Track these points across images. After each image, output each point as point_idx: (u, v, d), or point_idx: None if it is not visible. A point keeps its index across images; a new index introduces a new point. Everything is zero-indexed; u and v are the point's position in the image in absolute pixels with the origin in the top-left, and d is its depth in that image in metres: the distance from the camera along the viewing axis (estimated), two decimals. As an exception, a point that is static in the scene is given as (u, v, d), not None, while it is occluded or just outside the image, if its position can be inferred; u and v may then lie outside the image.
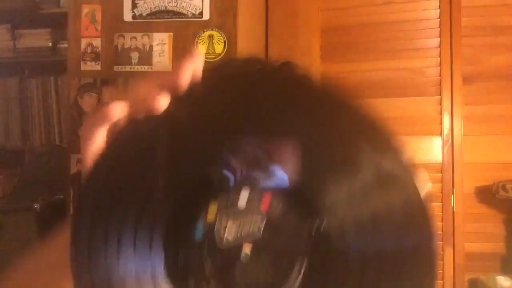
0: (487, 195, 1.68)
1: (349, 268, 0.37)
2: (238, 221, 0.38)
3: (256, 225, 0.38)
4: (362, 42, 1.80)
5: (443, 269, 1.71)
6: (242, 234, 0.38)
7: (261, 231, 0.38)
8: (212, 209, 0.38)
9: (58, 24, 1.94)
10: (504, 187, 1.61)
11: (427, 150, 1.72)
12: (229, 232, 0.38)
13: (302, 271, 0.38)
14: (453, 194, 1.70)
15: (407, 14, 1.77)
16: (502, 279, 1.65)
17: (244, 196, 0.38)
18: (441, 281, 1.70)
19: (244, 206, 0.38)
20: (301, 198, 0.38)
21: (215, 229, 0.38)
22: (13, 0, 2.03)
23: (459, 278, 1.71)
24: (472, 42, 1.72)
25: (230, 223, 0.38)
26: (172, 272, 0.38)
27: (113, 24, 1.64)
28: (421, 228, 0.36)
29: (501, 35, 1.71)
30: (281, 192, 0.38)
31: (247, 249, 0.38)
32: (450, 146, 1.71)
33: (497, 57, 1.71)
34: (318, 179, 0.37)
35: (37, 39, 2.08)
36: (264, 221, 0.38)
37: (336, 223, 0.37)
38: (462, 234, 1.70)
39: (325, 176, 0.37)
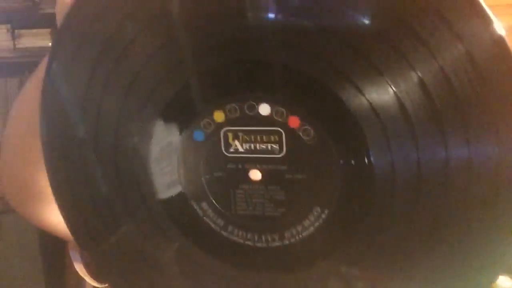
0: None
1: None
2: (254, 130, 0.29)
3: (277, 142, 0.28)
4: None
5: (443, 269, 1.71)
6: (258, 147, 0.29)
7: (283, 151, 0.28)
8: (220, 111, 0.29)
9: (58, 24, 1.94)
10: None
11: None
12: (240, 139, 0.29)
13: (321, 220, 0.29)
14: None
15: None
16: (502, 279, 1.65)
17: (265, 107, 0.28)
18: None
19: (267, 114, 0.28)
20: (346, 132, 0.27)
21: (222, 132, 0.29)
22: (13, 0, 2.03)
23: (459, 278, 1.70)
24: None
25: (243, 129, 0.29)
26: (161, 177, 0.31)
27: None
28: None
29: None
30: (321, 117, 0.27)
31: (257, 168, 0.29)
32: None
33: None
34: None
35: (37, 39, 2.07)
36: (289, 141, 0.28)
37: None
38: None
39: None
